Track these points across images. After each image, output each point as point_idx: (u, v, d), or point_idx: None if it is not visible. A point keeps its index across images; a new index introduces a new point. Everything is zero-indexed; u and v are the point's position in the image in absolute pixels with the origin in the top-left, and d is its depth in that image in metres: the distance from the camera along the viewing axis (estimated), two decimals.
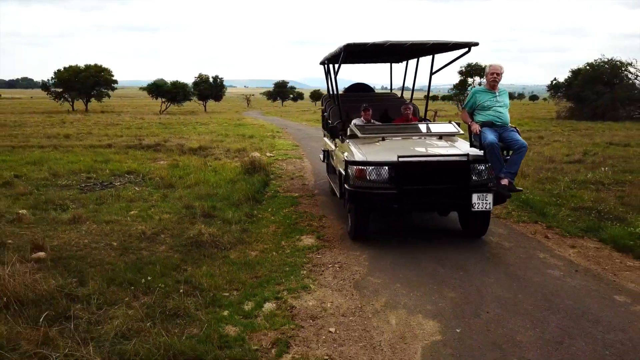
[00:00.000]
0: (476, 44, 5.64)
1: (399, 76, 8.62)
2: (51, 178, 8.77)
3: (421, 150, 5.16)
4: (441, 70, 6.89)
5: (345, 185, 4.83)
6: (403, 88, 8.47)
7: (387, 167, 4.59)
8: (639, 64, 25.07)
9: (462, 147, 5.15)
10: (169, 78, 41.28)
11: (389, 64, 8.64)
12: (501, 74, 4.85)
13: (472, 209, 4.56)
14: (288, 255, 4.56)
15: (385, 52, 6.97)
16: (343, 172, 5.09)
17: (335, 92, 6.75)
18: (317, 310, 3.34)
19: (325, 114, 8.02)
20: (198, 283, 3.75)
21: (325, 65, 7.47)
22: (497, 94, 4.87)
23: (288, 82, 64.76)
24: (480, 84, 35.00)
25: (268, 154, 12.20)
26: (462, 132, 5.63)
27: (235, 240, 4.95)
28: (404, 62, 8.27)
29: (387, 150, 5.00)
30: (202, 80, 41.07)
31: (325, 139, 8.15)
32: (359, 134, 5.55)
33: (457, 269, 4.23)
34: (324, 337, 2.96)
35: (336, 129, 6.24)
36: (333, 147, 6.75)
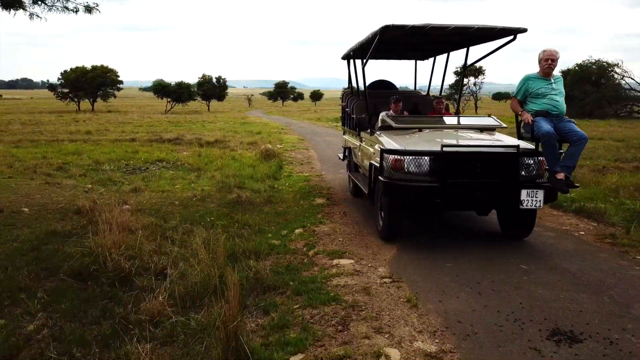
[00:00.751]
0: (524, 30, 5.31)
1: (420, 76, 8.52)
2: (94, 165, 10.44)
3: (464, 142, 4.90)
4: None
5: (380, 177, 4.57)
6: (430, 86, 8.23)
7: (428, 158, 4.33)
8: (624, 65, 26.90)
9: (508, 140, 4.92)
10: (167, 78, 42.98)
11: (407, 65, 8.46)
12: (557, 59, 4.62)
13: (521, 207, 4.29)
14: (306, 209, 6.23)
15: (420, 41, 6.59)
16: (376, 164, 4.80)
17: (363, 85, 6.43)
18: (330, 232, 5.04)
19: (347, 109, 7.78)
20: (246, 222, 5.43)
21: (349, 60, 7.47)
22: (553, 80, 4.62)
23: (288, 83, 66.52)
24: (475, 84, 36.74)
25: (278, 146, 13.89)
26: (504, 125, 5.51)
27: (265, 201, 6.63)
28: (430, 60, 8.09)
29: (426, 140, 4.81)
30: (205, 81, 42.79)
31: (346, 136, 7.94)
32: (394, 124, 5.29)
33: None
34: (335, 242, 4.65)
35: (364, 121, 6.00)
36: (357, 142, 6.56)
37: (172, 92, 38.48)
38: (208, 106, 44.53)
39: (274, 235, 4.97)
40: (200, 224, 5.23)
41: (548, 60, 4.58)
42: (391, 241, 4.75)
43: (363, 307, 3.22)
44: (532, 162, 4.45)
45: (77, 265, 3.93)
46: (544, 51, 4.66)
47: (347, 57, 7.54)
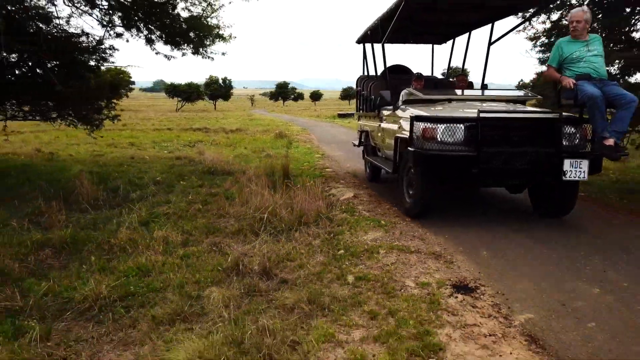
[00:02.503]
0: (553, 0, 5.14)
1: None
2: (153, 143, 15.00)
3: (500, 110, 4.68)
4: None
5: (409, 148, 4.42)
6: (449, 69, 8.39)
7: (463, 125, 4.17)
8: None
9: (543, 110, 4.87)
10: (166, 79, 47.58)
11: (419, 53, 9.33)
12: (584, 20, 4.38)
13: (564, 178, 4.09)
14: (312, 157, 10.81)
15: (440, 19, 6.64)
16: (403, 136, 4.76)
17: (383, 65, 6.57)
18: (323, 163, 9.64)
19: (363, 92, 7.91)
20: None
21: (364, 43, 7.84)
22: (587, 42, 4.41)
23: (289, 83, 71.23)
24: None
25: (286, 132, 18.51)
26: (538, 96, 5.51)
27: (286, 154, 11.22)
28: (449, 45, 8.19)
29: (458, 110, 4.71)
30: (212, 82, 47.46)
31: (361, 120, 8.14)
32: (421, 96, 5.23)
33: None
34: (324, 165, 9.25)
35: (387, 96, 5.99)
36: (376, 124, 6.59)
37: (183, 92, 43.12)
38: (214, 105, 49.20)
39: (296, 166, 9.53)
40: (258, 155, 9.79)
41: (573, 22, 4.41)
42: (420, 218, 4.64)
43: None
44: (574, 130, 4.25)
45: (200, 170, 8.48)
46: (570, 13, 4.51)
47: (362, 39, 7.80)
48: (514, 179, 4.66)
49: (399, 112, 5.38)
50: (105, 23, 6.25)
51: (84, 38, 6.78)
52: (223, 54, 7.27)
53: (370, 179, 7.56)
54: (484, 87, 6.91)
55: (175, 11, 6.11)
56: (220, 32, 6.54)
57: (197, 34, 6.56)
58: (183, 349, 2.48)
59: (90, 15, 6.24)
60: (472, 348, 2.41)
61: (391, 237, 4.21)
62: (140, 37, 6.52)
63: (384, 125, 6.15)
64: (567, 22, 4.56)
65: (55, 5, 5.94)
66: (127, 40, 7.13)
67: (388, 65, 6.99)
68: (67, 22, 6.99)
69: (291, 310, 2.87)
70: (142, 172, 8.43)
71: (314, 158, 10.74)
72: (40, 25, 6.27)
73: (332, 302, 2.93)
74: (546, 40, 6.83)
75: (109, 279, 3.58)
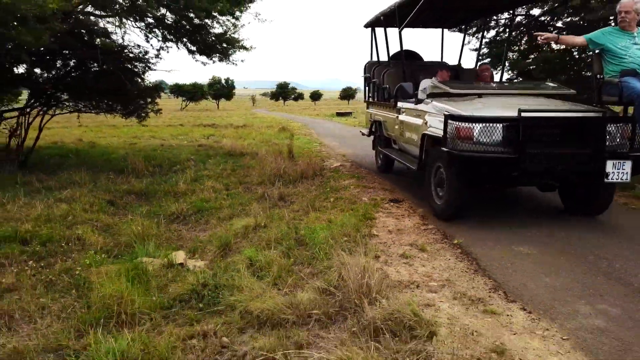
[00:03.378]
0: None
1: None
2: (171, 137, 17.42)
3: (540, 107, 4.49)
4: None
5: (442, 148, 4.26)
6: (460, 57, 8.15)
7: (502, 125, 4.00)
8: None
9: (581, 105, 4.72)
10: (166, 80, 50.10)
11: (421, 37, 10.41)
12: (633, 10, 4.24)
13: (606, 180, 3.99)
14: (311, 145, 13.21)
15: (462, 5, 6.61)
16: (433, 134, 4.68)
17: (401, 53, 6.48)
18: (321, 148, 12.05)
19: (374, 80, 7.74)
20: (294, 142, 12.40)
21: (373, 28, 7.74)
22: (635, 34, 4.26)
23: (289, 83, 73.71)
24: None
25: (289, 127, 20.93)
26: (572, 91, 5.31)
27: (290, 141, 13.61)
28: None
29: (493, 106, 4.50)
30: (215, 82, 49.94)
31: (372, 109, 7.91)
32: (450, 90, 5.01)
33: None
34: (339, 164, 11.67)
35: (408, 88, 5.74)
36: (392, 115, 6.41)
37: (187, 92, 45.61)
38: (217, 105, 51.68)
39: (298, 151, 11.92)
40: (264, 147, 12.20)
41: (622, 13, 4.31)
42: (451, 220, 4.57)
43: None
44: (616, 129, 4.14)
45: (222, 153, 10.88)
46: (620, 2, 4.38)
47: (372, 24, 7.65)
48: (554, 181, 4.57)
49: (423, 106, 5.24)
50: (159, 40, 8.66)
51: (135, 50, 9.18)
52: (242, 60, 9.65)
53: (383, 170, 7.49)
54: (510, 79, 6.96)
55: (211, 30, 8.50)
56: (243, 44, 8.91)
57: (224, 47, 8.96)
58: (239, 224, 4.87)
59: (148, 35, 8.64)
60: (390, 219, 4.82)
61: (359, 182, 6.66)
62: (183, 49, 8.93)
63: (403, 118, 6.02)
64: (617, 12, 4.38)
65: (123, 29, 8.17)
66: (167, 52, 9.53)
67: (395, 51, 7.17)
68: (122, 37, 9.28)
69: (297, 210, 5.28)
70: (174, 155, 10.84)
71: (312, 146, 13.14)
72: (101, 39, 8.67)
73: (319, 207, 5.34)
74: (486, 51, 9.19)
75: (184, 204, 5.97)
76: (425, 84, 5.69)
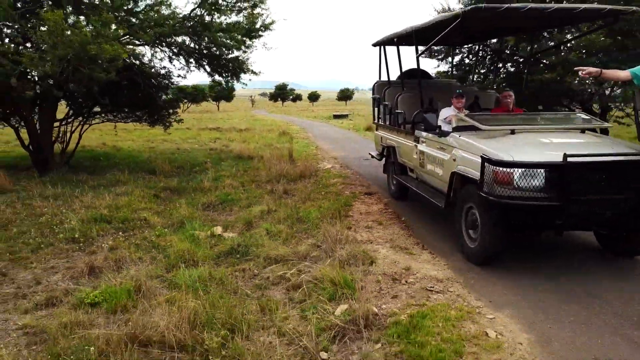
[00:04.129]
0: (633, 12, 5.04)
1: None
2: (180, 140, 19.50)
3: (583, 148, 4.26)
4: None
5: (480, 192, 4.13)
6: (473, 76, 8.22)
7: (544, 170, 3.88)
8: None
9: (623, 143, 4.69)
10: None
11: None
12: None
13: None
14: (309, 149, 15.31)
15: (490, 26, 6.45)
16: (466, 174, 4.57)
17: (418, 76, 6.45)
18: (316, 151, 14.14)
19: (385, 103, 7.71)
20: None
21: (383, 47, 7.80)
22: None
23: (288, 84, 75.81)
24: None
25: (288, 131, 23.02)
26: (607, 124, 5.31)
27: (290, 145, 15.70)
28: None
29: (532, 147, 4.37)
30: (216, 84, 51.98)
31: (383, 132, 7.86)
32: (482, 126, 4.78)
33: None
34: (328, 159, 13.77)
35: (433, 121, 5.79)
36: (410, 142, 6.41)
37: (189, 94, 47.67)
38: (218, 106, 53.73)
39: (297, 154, 14.00)
40: (268, 150, 14.29)
41: None
42: (484, 265, 4.45)
43: None
44: None
45: (232, 156, 12.96)
46: None
47: (383, 43, 7.62)
48: (600, 229, 4.48)
49: (451, 140, 5.12)
50: (181, 63, 10.79)
51: (161, 70, 11.29)
52: (250, 79, 11.75)
53: (397, 197, 7.35)
54: (537, 110, 6.64)
55: (226, 56, 10.61)
56: (253, 70, 11.05)
57: (235, 69, 11.06)
58: (256, 209, 6.95)
59: (173, 58, 10.75)
60: (363, 205, 6.94)
61: (344, 180, 8.80)
62: (203, 71, 11.04)
63: (423, 148, 5.91)
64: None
65: (153, 53, 10.32)
66: (190, 72, 11.67)
67: (403, 70, 7.44)
68: (150, 60, 11.36)
69: (297, 200, 7.37)
70: (191, 157, 12.90)
71: (309, 149, 15.23)
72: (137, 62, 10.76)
73: (313, 198, 7.43)
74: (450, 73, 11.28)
75: (211, 197, 8.04)
76: (447, 113, 5.75)
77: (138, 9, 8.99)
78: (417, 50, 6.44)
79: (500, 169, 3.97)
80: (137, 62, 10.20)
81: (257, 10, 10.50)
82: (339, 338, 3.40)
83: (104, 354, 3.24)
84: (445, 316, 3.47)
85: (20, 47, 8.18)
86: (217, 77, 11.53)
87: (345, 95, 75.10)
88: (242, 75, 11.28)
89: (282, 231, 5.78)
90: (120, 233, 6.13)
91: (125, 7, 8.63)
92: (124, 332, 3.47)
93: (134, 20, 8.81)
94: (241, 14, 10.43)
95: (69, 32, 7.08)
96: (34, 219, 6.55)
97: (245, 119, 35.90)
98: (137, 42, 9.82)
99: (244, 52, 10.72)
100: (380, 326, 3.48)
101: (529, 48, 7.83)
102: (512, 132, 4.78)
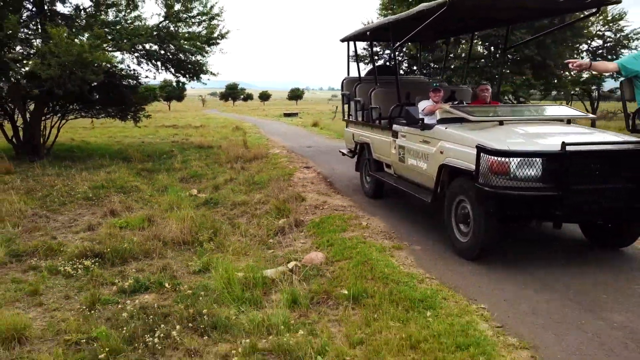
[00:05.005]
0: (618, 2, 5.23)
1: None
2: (144, 136, 21.42)
3: (570, 137, 4.32)
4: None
5: (476, 184, 4.12)
6: (444, 72, 8.23)
7: (541, 159, 3.92)
8: None
9: (611, 133, 4.80)
10: None
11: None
12: None
13: None
14: (260, 140, 17.77)
15: (467, 17, 6.47)
16: (457, 166, 4.57)
17: (395, 72, 6.81)
18: (267, 143, 16.67)
19: (358, 99, 7.66)
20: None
21: (355, 42, 7.97)
22: None
23: (238, 84, 77.59)
24: None
25: (241, 127, 25.34)
26: (590, 115, 5.53)
27: (245, 138, 18.09)
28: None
29: (524, 136, 4.41)
30: (166, 84, 53.21)
31: (355, 129, 7.89)
32: (472, 117, 4.84)
33: None
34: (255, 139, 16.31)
35: (416, 114, 5.82)
36: (387, 138, 6.39)
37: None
38: (169, 106, 54.93)
39: (252, 143, 16.41)
40: (227, 140, 16.62)
41: None
42: (478, 260, 4.45)
43: None
44: None
45: (193, 146, 15.23)
46: None
47: (351, 38, 7.78)
48: (597, 220, 4.46)
49: (436, 133, 5.12)
50: (151, 67, 13.02)
51: (130, 72, 13.46)
52: (208, 79, 14.11)
53: (372, 195, 7.30)
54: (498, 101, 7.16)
55: (189, 59, 12.95)
56: (211, 70, 13.48)
57: (197, 70, 13.40)
58: (221, 178, 9.38)
59: (141, 61, 12.94)
60: (302, 175, 9.56)
61: (289, 160, 11.42)
62: (168, 73, 13.32)
63: (403, 142, 5.93)
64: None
65: (122, 57, 12.40)
66: (159, 73, 13.94)
67: (368, 68, 7.87)
68: (121, 62, 13.51)
69: (252, 172, 9.87)
70: (158, 148, 15.05)
71: (261, 141, 17.66)
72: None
73: (264, 170, 9.97)
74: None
75: (184, 173, 10.37)
76: (425, 104, 5.84)
77: (120, 23, 11.20)
78: (393, 44, 6.52)
79: (497, 158, 3.97)
80: (117, 66, 12.34)
81: (215, 22, 12.90)
82: (280, 232, 5.95)
83: (140, 248, 5.56)
84: (341, 217, 6.12)
85: (25, 54, 10.22)
86: (181, 78, 13.77)
87: (295, 94, 77.74)
88: (202, 75, 13.61)
89: (242, 189, 8.27)
90: (121, 194, 8.39)
91: (110, 22, 10.83)
92: (148, 234, 5.85)
93: (116, 32, 11.00)
94: (201, 25, 12.79)
95: (68, 43, 9.26)
96: (50, 188, 8.68)
97: (198, 117, 37.77)
98: (115, 50, 11.98)
99: (204, 56, 13.07)
100: (303, 225, 6.08)
101: (500, 46, 8.77)
102: (501, 123, 4.84)
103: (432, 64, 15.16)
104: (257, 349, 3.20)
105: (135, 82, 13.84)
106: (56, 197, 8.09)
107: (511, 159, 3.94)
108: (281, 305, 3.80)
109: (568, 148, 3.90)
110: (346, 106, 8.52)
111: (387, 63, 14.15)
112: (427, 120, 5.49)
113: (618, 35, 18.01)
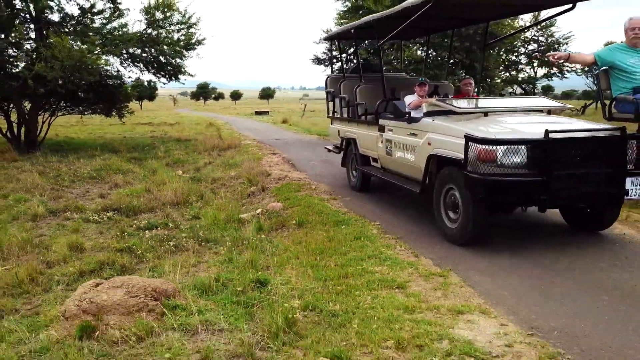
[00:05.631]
0: None
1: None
2: (125, 132, 23.05)
3: (552, 125, 4.47)
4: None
5: (465, 172, 4.36)
6: (424, 66, 9.44)
7: (525, 147, 4.17)
8: None
9: (590, 122, 5.05)
10: None
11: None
12: None
13: (626, 197, 4.26)
14: (233, 135, 19.73)
15: (447, 14, 6.78)
16: (446, 155, 4.79)
17: (380, 69, 6.98)
18: (245, 138, 18.67)
19: (343, 96, 7.90)
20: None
21: (338, 41, 8.59)
22: None
23: (209, 83, 78.85)
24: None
25: (214, 123, 27.17)
26: (569, 106, 5.86)
27: (219, 132, 20.00)
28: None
29: (509, 125, 4.65)
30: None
31: (340, 125, 8.14)
32: (457, 109, 5.14)
33: None
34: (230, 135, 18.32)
35: (403, 107, 6.02)
36: (374, 133, 6.59)
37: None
38: (140, 106, 56.02)
39: (226, 137, 18.35)
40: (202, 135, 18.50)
41: (634, 29, 4.61)
42: (467, 246, 4.67)
43: None
44: (635, 146, 4.37)
45: (172, 140, 17.08)
46: (630, 19, 4.64)
47: (335, 37, 8.35)
48: (579, 204, 4.69)
49: (424, 125, 5.33)
50: (131, 67, 14.89)
51: (115, 73, 15.29)
52: (185, 79, 16.06)
53: (359, 189, 7.53)
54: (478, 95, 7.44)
55: (169, 62, 14.85)
56: (189, 71, 15.43)
57: (176, 72, 15.32)
58: (201, 162, 11.35)
59: (124, 63, 14.79)
60: (270, 159, 11.64)
61: (259, 149, 13.48)
62: (150, 74, 15.20)
63: (390, 136, 6.13)
64: (628, 29, 4.70)
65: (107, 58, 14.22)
66: (143, 75, 15.79)
67: (352, 64, 8.63)
68: (110, 65, 15.32)
69: (227, 157, 11.87)
70: (140, 142, 16.84)
71: (234, 135, 19.59)
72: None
73: (237, 155, 11.99)
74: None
75: (168, 160, 12.28)
76: (410, 99, 6.10)
77: (107, 29, 13.05)
78: (378, 41, 6.78)
79: (484, 147, 4.18)
80: (107, 69, 14.17)
81: (192, 30, 14.86)
82: (250, 196, 8.00)
83: (146, 205, 7.50)
84: (297, 184, 8.25)
85: (28, 57, 11.98)
86: (162, 79, 15.66)
87: (267, 93, 79.46)
88: (180, 76, 15.54)
89: (220, 169, 10.29)
90: (120, 175, 10.28)
91: (97, 28, 12.67)
92: (150, 198, 7.82)
93: (105, 38, 12.85)
94: (180, 32, 14.73)
95: (69, 49, 11.10)
96: (58, 170, 10.48)
97: (171, 116, 39.25)
98: (105, 54, 13.80)
99: (182, 59, 15.00)
100: (269, 190, 8.17)
101: (479, 40, 9.48)
102: (486, 114, 5.10)
103: (406, 61, 16.98)
104: (236, 247, 5.27)
105: (119, 82, 15.63)
106: (65, 177, 9.93)
107: (498, 146, 4.19)
108: (251, 230, 5.87)
109: (551, 135, 4.14)
110: (330, 103, 8.84)
111: (367, 59, 15.75)
112: (413, 114, 5.76)
113: (550, 40, 20.72)
